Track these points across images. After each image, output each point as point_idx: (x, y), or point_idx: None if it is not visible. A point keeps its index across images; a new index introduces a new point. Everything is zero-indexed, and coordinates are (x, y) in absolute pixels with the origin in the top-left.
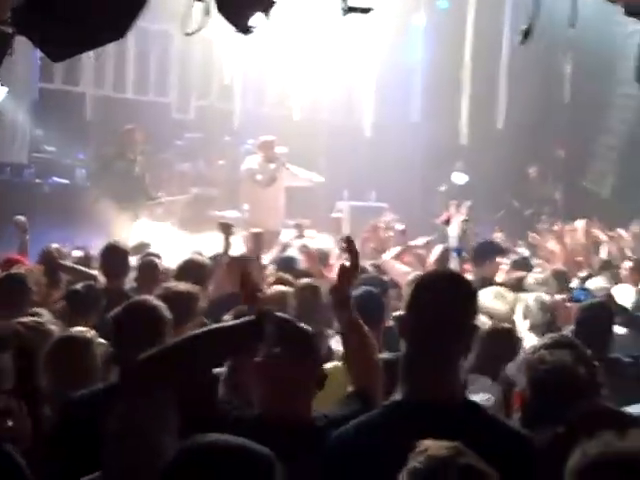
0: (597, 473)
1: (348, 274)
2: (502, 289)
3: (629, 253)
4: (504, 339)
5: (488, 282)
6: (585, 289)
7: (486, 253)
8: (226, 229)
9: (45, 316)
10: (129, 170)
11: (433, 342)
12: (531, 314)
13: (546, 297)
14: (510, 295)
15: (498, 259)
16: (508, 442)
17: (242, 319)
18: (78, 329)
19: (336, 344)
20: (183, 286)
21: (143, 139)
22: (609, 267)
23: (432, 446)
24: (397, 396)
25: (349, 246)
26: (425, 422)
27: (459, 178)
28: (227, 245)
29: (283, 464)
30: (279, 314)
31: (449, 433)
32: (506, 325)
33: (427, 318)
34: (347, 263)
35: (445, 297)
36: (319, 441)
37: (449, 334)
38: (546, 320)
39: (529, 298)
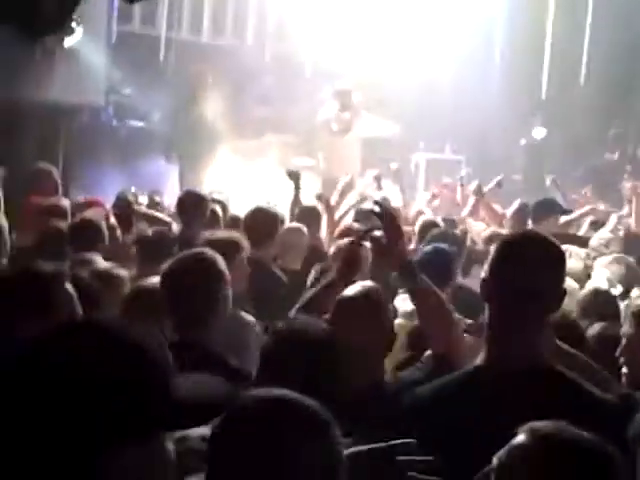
0: None
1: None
2: (573, 247)
3: None
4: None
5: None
6: None
7: (546, 210)
8: (295, 178)
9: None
10: (201, 115)
11: (520, 310)
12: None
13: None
14: (581, 251)
15: (558, 217)
16: (596, 412)
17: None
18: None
19: (402, 302)
20: (222, 233)
21: (214, 84)
22: None
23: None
24: (477, 361)
25: (385, 217)
26: (505, 390)
27: (539, 133)
28: (297, 194)
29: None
30: None
31: (531, 402)
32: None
33: (515, 285)
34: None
35: (534, 263)
36: (393, 406)
37: (537, 302)
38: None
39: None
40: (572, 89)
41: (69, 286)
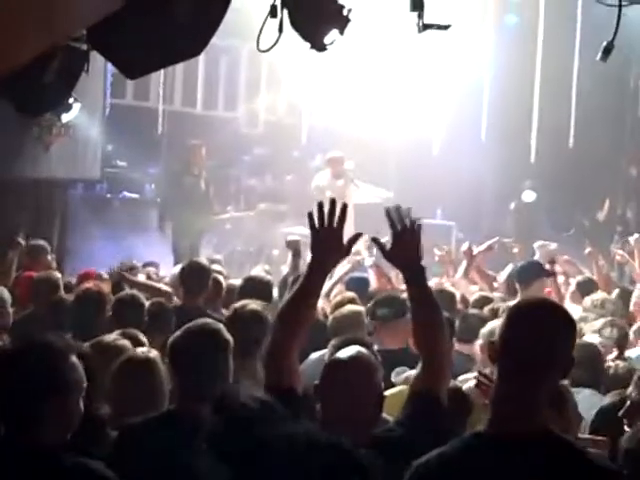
0: None
1: None
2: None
3: None
4: None
5: None
6: None
7: (532, 274)
8: (294, 247)
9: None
10: (195, 185)
11: (528, 376)
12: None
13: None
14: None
15: (544, 279)
16: (595, 478)
17: None
18: (140, 350)
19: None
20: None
21: (207, 155)
22: None
23: None
24: (483, 425)
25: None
26: (508, 457)
27: (529, 196)
28: (295, 263)
29: None
30: None
31: (531, 469)
32: None
33: (525, 351)
34: None
35: (544, 330)
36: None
37: (546, 369)
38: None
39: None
40: (560, 152)
41: (75, 359)
